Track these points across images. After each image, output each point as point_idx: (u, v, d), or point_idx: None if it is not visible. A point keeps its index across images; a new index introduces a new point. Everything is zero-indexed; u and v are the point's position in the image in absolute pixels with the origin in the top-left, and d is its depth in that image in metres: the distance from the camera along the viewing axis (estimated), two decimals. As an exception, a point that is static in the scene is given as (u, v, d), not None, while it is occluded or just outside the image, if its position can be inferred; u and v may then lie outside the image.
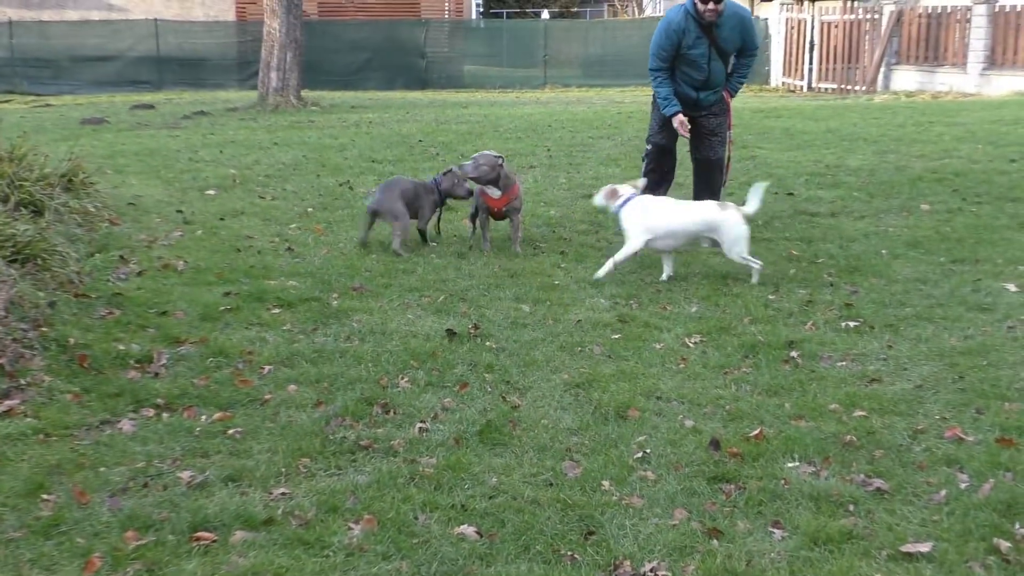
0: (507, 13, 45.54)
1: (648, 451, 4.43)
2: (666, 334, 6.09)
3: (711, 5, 8.15)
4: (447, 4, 37.85)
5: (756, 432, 4.57)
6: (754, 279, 7.19)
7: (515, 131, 16.39)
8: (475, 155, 8.15)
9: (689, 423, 4.75)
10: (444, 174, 8.44)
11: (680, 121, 8.44)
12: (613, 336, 6.05)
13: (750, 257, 7.22)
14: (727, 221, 7.12)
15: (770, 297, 6.83)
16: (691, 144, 8.82)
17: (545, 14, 48.18)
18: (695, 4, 8.24)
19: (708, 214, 7.20)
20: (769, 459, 4.32)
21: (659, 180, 8.79)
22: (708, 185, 8.88)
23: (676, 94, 8.49)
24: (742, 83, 8.90)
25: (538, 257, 7.99)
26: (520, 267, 7.66)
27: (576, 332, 6.14)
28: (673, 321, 6.33)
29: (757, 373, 5.42)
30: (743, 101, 22.58)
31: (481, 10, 50.51)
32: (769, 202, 9.93)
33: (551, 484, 4.13)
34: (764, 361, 5.58)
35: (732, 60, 8.58)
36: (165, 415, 4.83)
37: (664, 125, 8.65)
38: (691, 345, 5.90)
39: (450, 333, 6.04)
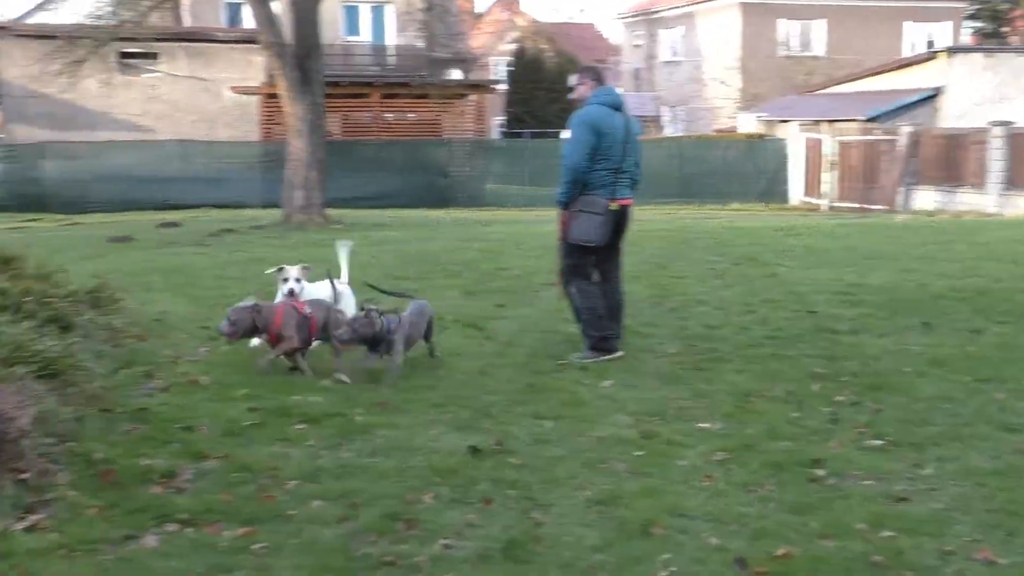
0: (529, 133, 46.15)
1: (674, 569, 4.39)
2: (690, 451, 6.07)
3: None
4: (469, 124, 38.45)
5: (782, 551, 4.53)
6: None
7: (536, 248, 16.51)
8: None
9: (714, 541, 4.71)
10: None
11: None
12: (636, 453, 6.03)
13: None
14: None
15: (794, 415, 6.82)
16: None
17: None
18: None
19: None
20: (797, 578, 4.28)
21: None
22: None
23: None
24: (557, 195, 8.51)
25: (560, 373, 8.00)
26: (543, 383, 7.67)
27: (599, 448, 6.12)
28: (697, 438, 6.32)
29: (782, 491, 5.39)
30: (763, 219, 22.77)
31: (503, 129, 51.31)
32: (791, 319, 9.97)
33: (575, 602, 4.10)
34: (789, 479, 5.55)
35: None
36: (189, 530, 4.82)
37: None
38: (715, 462, 5.87)
39: (473, 449, 6.04)
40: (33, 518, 4.81)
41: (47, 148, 31.54)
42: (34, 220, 26.08)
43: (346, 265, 8.98)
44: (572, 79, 8.75)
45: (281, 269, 8.75)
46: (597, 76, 8.63)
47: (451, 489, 5.42)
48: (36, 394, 5.99)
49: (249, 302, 7.98)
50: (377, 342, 7.82)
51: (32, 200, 30.01)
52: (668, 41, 55.62)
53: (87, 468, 5.50)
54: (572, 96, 8.73)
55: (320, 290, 8.69)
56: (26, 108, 34.45)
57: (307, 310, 7.99)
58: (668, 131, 51.54)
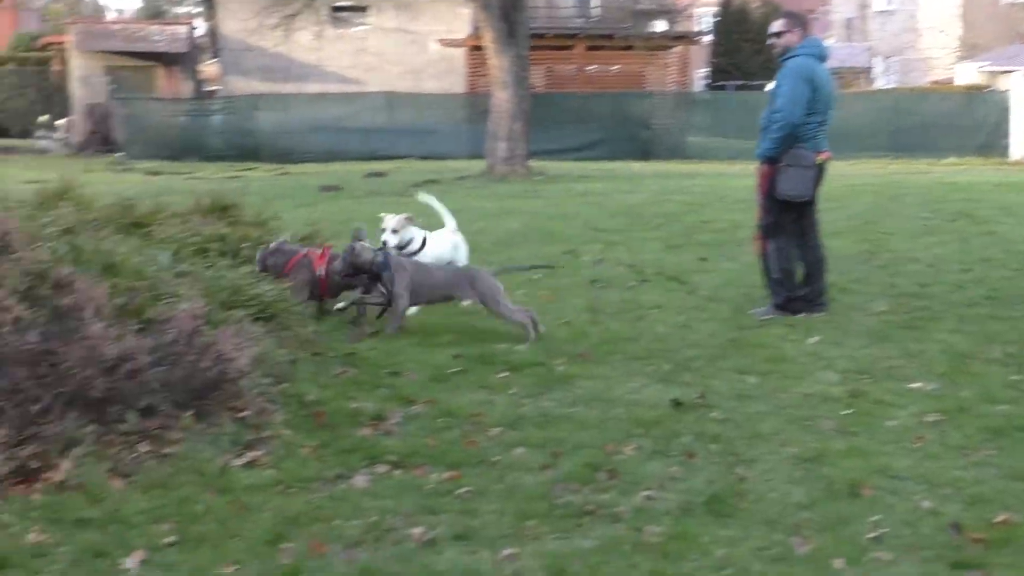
0: (733, 85, 45.29)
1: (884, 531, 4.27)
2: (900, 411, 5.88)
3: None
4: (672, 76, 37.98)
5: (1002, 518, 4.35)
6: None
7: (740, 202, 16.23)
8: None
9: (927, 504, 4.56)
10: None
11: None
12: (843, 411, 5.89)
13: None
14: None
15: (1013, 377, 6.52)
16: None
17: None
18: None
19: None
20: (1019, 547, 4.10)
21: None
22: None
23: None
24: (764, 150, 8.21)
25: (765, 328, 7.87)
26: (746, 338, 7.56)
27: (804, 406, 6.00)
28: (908, 399, 6.12)
29: (1002, 456, 5.16)
30: (981, 174, 21.83)
31: (707, 82, 50.48)
32: (1010, 278, 9.57)
33: (780, 559, 4.03)
34: (1008, 444, 5.32)
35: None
36: (397, 472, 4.95)
37: None
38: (928, 424, 5.68)
39: (675, 402, 6.00)
40: (251, 455, 5.03)
41: (261, 100, 32.61)
42: (249, 169, 27.01)
43: (446, 213, 8.83)
44: (775, 25, 8.34)
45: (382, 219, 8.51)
46: (803, 24, 8.31)
47: (653, 441, 5.40)
48: (253, 336, 6.23)
49: (277, 242, 8.13)
50: (373, 279, 7.68)
51: (247, 150, 31.08)
52: (883, -11, 53.63)
53: (300, 409, 5.71)
54: (774, 43, 8.33)
55: (441, 240, 8.69)
56: (242, 61, 35.63)
57: (320, 270, 7.94)
58: (880, 83, 49.79)
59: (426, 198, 9.10)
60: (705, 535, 4.25)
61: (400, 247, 8.31)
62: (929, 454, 5.21)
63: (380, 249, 7.88)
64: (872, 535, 4.24)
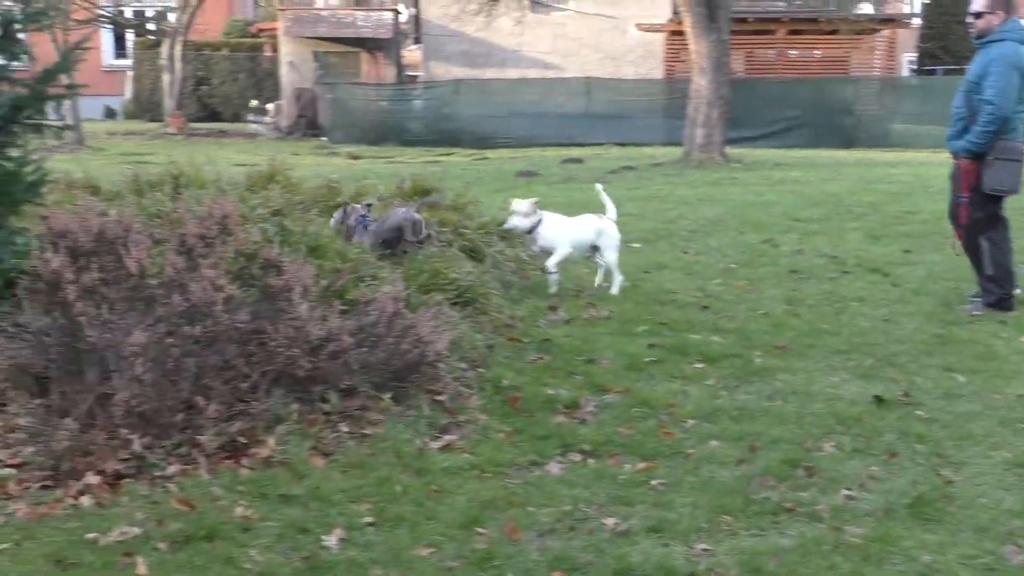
0: (943, 70, 43.70)
1: (1104, 543, 4.06)
2: (1123, 416, 5.57)
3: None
4: (879, 60, 36.86)
5: None
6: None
7: (947, 191, 15.63)
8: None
9: None
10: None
11: None
12: (1061, 415, 5.62)
13: None
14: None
15: None
16: None
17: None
18: None
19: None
20: None
21: None
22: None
23: None
24: (970, 144, 7.82)
25: (974, 324, 7.56)
26: (953, 334, 7.28)
27: (1018, 407, 5.73)
28: None
29: None
30: None
31: (914, 67, 48.82)
32: None
33: (991, 569, 3.87)
34: None
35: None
36: (591, 461, 4.94)
37: None
38: None
39: (878, 399, 5.82)
40: (447, 438, 5.11)
41: (461, 85, 33.04)
42: (448, 154, 27.44)
43: (609, 202, 8.74)
44: (976, 4, 7.82)
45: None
46: (1007, 6, 7.81)
47: (853, 439, 5.25)
48: (451, 320, 6.32)
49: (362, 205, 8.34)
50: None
51: (447, 135, 31.56)
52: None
53: (496, 394, 5.77)
54: (973, 23, 7.87)
55: (583, 224, 8.59)
56: (443, 46, 36.14)
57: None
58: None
59: (597, 188, 9.16)
60: (909, 539, 4.11)
61: (529, 230, 8.39)
62: None
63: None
64: (1091, 547, 4.03)
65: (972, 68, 7.87)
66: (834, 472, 4.81)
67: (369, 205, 8.33)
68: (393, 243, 7.94)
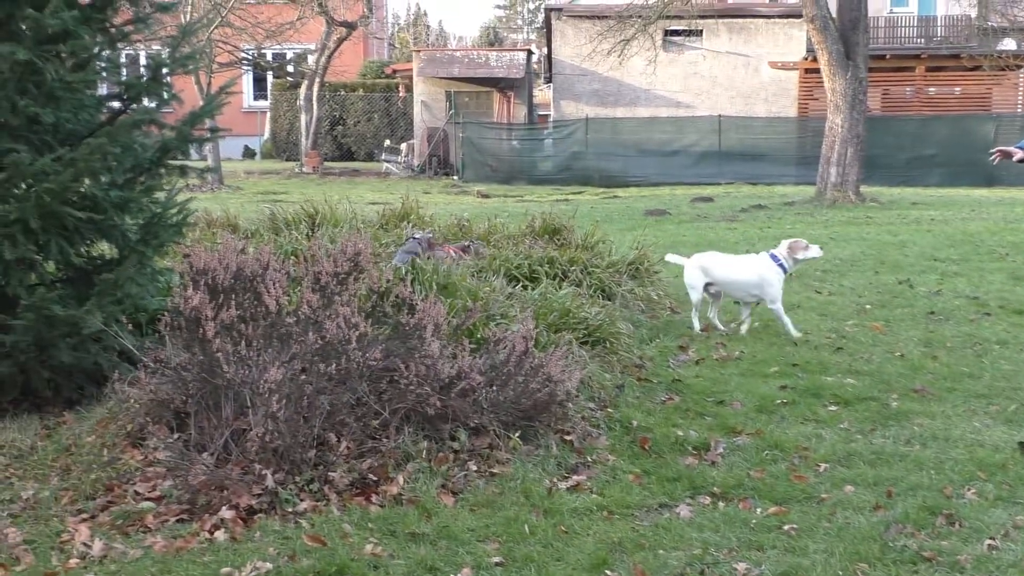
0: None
1: None
2: None
3: None
4: (1021, 98, 35.88)
5: None
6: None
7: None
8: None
9: None
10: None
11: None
12: None
13: None
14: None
15: None
16: None
17: None
18: None
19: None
20: None
21: None
22: None
23: None
24: None
25: (1124, 370, 7.27)
26: (1102, 380, 7.01)
27: None
28: None
29: None
30: None
31: (1058, 103, 47.40)
32: None
33: None
34: None
35: None
36: (721, 504, 4.87)
37: None
38: None
39: (1022, 446, 5.63)
40: (576, 478, 5.09)
41: (592, 124, 33.10)
42: (577, 193, 27.49)
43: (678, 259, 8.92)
44: None
45: None
46: None
47: (996, 486, 5.08)
48: (580, 359, 6.31)
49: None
50: None
51: (576, 174, 31.63)
52: None
53: (625, 434, 5.74)
54: None
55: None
56: (574, 85, 36.30)
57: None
58: None
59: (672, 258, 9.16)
60: (1054, 591, 3.96)
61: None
62: None
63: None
64: None
65: None
66: (976, 521, 4.66)
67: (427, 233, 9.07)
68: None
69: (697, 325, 8.41)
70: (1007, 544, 4.40)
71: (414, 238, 8.92)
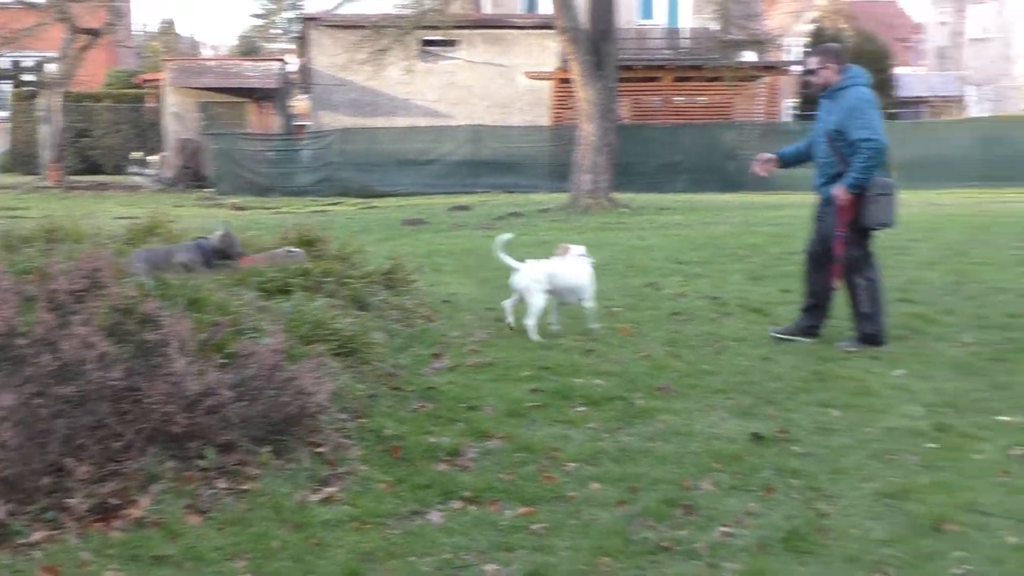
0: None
1: (968, 568, 4.18)
2: (987, 445, 5.75)
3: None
4: (761, 106, 37.70)
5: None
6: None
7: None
8: None
9: (1013, 540, 4.45)
10: (224, 234, 8.93)
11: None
12: (928, 445, 5.77)
13: None
14: None
15: (1106, 410, 6.35)
16: None
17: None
18: None
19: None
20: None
21: None
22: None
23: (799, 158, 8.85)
24: (854, 180, 7.91)
25: (848, 361, 7.75)
26: (829, 371, 7.45)
27: (888, 440, 5.89)
28: (995, 432, 5.98)
29: (1093, 492, 5.03)
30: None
31: (795, 112, 50.01)
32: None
33: (860, 599, 3.96)
34: (1101, 479, 5.18)
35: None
36: (472, 507, 4.94)
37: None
38: (1015, 457, 5.55)
39: (755, 436, 5.93)
40: (327, 490, 5.06)
41: (349, 134, 32.96)
42: (335, 204, 27.35)
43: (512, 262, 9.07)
44: (810, 63, 8.41)
45: None
46: (839, 57, 8.24)
47: (731, 476, 5.34)
48: (333, 371, 6.29)
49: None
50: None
51: (334, 185, 31.46)
52: (977, 18, 52.97)
53: (377, 443, 5.74)
54: (812, 80, 8.35)
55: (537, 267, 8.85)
56: (332, 95, 36.12)
57: None
58: (973, 111, 49.00)
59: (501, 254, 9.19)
60: (783, 572, 4.20)
61: None
62: (1016, 488, 5.09)
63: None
64: (957, 572, 4.16)
65: (828, 118, 8.19)
66: (712, 510, 4.88)
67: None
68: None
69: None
70: (740, 530, 4.63)
71: (199, 241, 8.84)
